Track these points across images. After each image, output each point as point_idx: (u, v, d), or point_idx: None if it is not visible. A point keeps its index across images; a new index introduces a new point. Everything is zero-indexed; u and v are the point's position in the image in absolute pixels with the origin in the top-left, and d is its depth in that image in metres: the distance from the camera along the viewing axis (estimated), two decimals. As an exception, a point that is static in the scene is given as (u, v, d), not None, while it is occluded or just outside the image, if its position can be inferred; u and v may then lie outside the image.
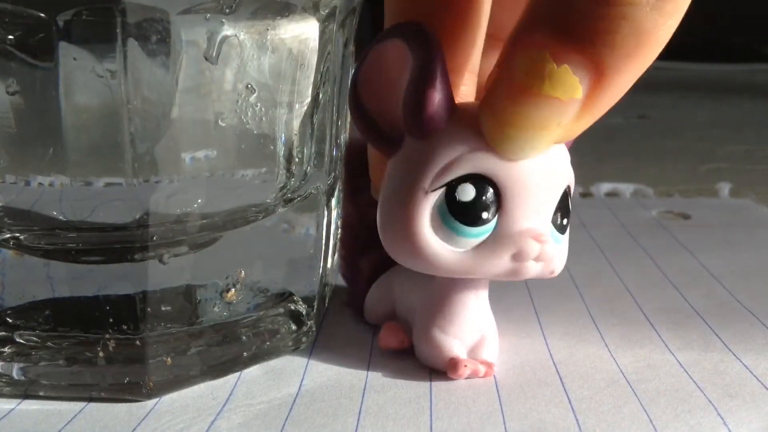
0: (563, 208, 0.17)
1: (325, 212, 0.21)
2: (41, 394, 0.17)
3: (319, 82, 0.20)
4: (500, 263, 0.17)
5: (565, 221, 0.18)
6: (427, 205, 0.17)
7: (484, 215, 0.16)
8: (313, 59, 0.19)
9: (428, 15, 0.17)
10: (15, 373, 0.18)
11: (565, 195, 0.17)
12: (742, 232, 0.32)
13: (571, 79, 0.15)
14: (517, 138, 0.16)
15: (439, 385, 0.18)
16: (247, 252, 0.19)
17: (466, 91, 0.18)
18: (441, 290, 0.19)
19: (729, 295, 0.24)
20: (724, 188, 0.39)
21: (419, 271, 0.18)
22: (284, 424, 0.17)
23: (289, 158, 0.19)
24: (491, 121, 0.16)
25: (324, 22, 0.19)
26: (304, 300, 0.21)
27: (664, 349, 0.20)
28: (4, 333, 0.18)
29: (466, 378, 0.18)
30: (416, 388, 0.18)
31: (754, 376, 0.19)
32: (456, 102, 0.17)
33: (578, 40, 0.15)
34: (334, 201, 0.22)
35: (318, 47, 0.19)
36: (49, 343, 0.18)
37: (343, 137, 0.23)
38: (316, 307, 0.21)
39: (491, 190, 0.16)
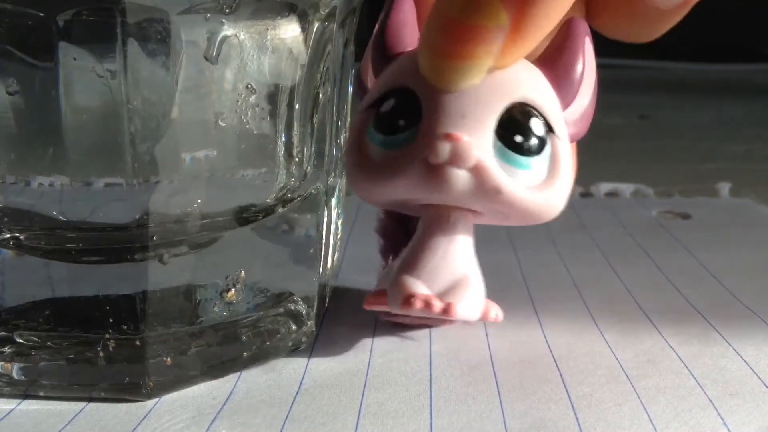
0: (514, 124, 0.16)
1: (325, 212, 0.21)
2: (41, 394, 0.17)
3: (319, 82, 0.20)
4: (416, 167, 0.16)
5: (518, 138, 0.16)
6: (361, 124, 0.17)
7: (400, 122, 0.16)
8: (314, 59, 0.19)
9: None
10: (15, 373, 0.18)
11: (516, 110, 0.16)
12: (742, 231, 0.32)
13: (495, 5, 0.15)
14: (448, 68, 0.16)
15: (439, 383, 0.18)
16: (247, 252, 0.19)
17: None
18: (417, 238, 0.18)
19: (729, 295, 0.24)
20: (724, 188, 0.39)
21: (359, 192, 0.18)
22: (284, 423, 0.17)
23: (289, 158, 0.19)
24: (424, 52, 0.16)
25: (324, 22, 0.19)
26: (304, 300, 0.21)
27: (665, 345, 0.20)
28: (4, 333, 0.18)
29: (422, 316, 0.17)
30: (416, 386, 0.18)
31: (755, 373, 0.19)
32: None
33: None
34: (334, 201, 0.22)
35: (318, 47, 0.19)
36: (49, 343, 0.18)
37: (343, 137, 0.23)
38: (316, 307, 0.21)
39: (410, 100, 0.16)
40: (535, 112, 0.16)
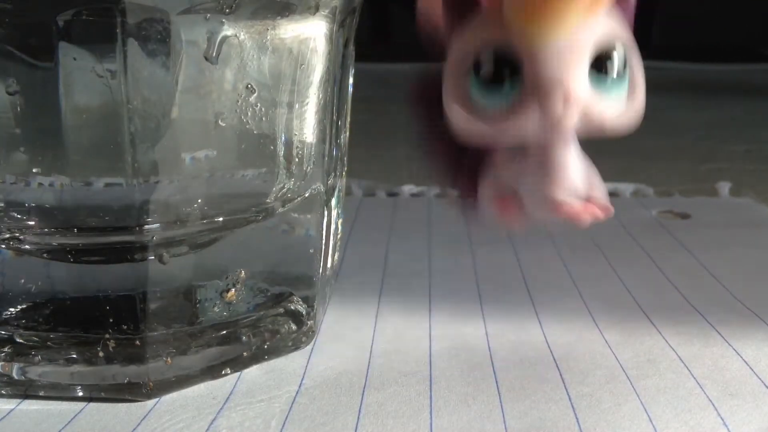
0: (604, 60, 0.18)
1: (325, 212, 0.21)
2: (41, 394, 0.17)
3: (319, 82, 0.20)
4: (529, 117, 0.17)
5: (609, 71, 0.18)
6: (459, 79, 0.18)
7: (503, 74, 0.17)
8: (313, 59, 0.19)
9: None
10: (15, 373, 0.18)
11: (604, 47, 0.18)
12: (742, 231, 0.32)
13: None
14: (542, 15, 0.16)
15: (439, 383, 0.18)
16: (247, 252, 0.19)
17: None
18: (541, 153, 0.19)
19: (729, 295, 0.24)
20: (724, 188, 0.39)
21: (463, 137, 0.18)
22: (284, 423, 0.17)
23: (289, 158, 0.19)
24: (513, 8, 0.16)
25: (324, 22, 0.19)
26: (304, 300, 0.21)
27: (665, 345, 0.20)
28: (4, 333, 0.18)
29: (588, 221, 0.18)
30: (416, 386, 0.18)
31: (755, 373, 0.19)
32: None
33: None
34: (334, 201, 0.22)
35: (318, 47, 0.19)
36: (49, 343, 0.18)
37: (343, 137, 0.23)
38: (316, 307, 0.21)
39: (509, 54, 0.17)
40: (618, 45, 0.18)
